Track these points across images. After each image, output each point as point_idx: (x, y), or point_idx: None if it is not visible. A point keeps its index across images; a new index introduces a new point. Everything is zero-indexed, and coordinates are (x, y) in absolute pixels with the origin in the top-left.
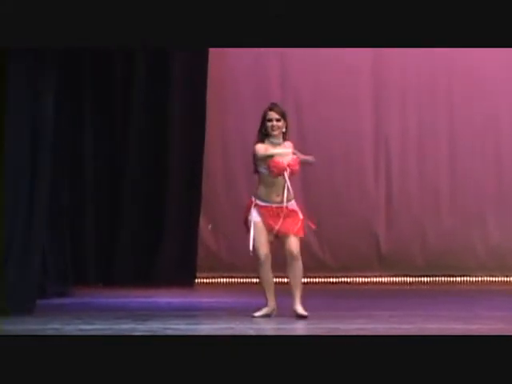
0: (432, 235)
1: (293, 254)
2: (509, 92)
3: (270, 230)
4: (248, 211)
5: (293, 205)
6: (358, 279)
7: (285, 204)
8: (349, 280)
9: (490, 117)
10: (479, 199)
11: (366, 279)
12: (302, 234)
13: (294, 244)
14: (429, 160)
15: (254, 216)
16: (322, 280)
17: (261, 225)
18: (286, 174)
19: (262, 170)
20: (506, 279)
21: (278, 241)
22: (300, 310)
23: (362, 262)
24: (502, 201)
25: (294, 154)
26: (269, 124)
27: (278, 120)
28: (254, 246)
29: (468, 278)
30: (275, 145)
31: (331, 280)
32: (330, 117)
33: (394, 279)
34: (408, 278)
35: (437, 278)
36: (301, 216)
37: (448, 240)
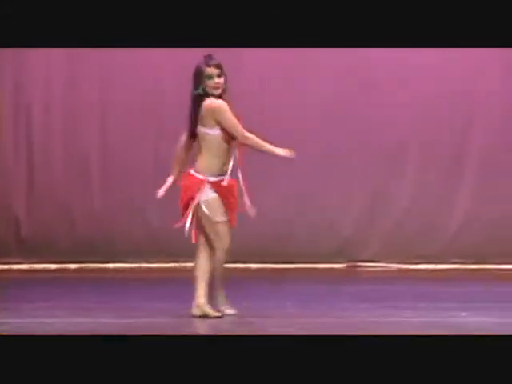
0: (81, 218)
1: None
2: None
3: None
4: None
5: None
6: None
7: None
8: None
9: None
10: (131, 180)
11: (5, 266)
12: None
13: None
14: (79, 137)
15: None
16: None
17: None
18: None
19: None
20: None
21: None
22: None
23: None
24: (159, 182)
25: None
26: (210, 83)
27: (219, 76)
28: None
29: (122, 265)
30: None
31: None
32: None
33: (37, 266)
34: (52, 265)
35: (85, 265)
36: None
37: (99, 223)
